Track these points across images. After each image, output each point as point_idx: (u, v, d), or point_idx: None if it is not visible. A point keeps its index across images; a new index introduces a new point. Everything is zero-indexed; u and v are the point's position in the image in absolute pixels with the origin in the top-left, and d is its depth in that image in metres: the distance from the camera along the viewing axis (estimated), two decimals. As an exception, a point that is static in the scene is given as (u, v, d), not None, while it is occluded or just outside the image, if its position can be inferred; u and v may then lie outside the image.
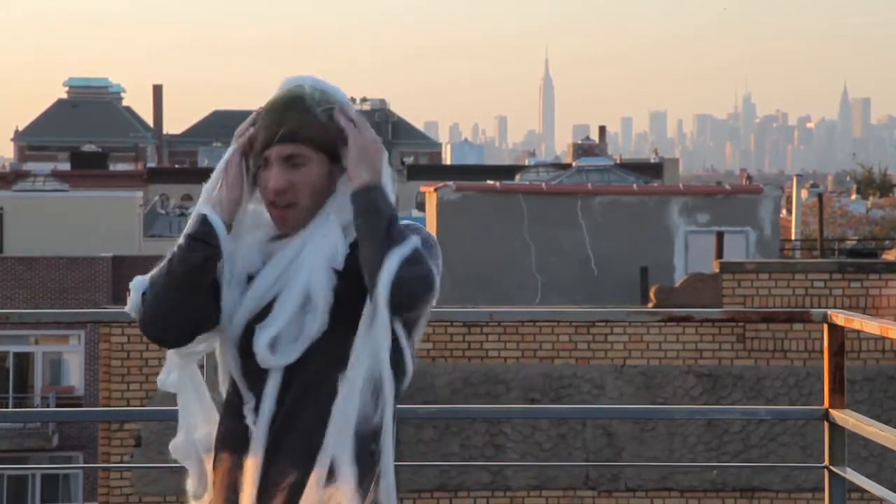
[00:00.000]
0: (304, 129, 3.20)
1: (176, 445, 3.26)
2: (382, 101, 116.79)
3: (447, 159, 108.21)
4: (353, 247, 3.14)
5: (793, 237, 35.57)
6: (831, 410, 5.47)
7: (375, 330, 3.03)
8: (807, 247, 34.40)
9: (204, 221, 3.17)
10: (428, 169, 75.46)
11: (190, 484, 3.26)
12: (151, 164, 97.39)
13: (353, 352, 3.05)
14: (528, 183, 31.54)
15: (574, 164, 39.59)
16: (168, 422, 15.76)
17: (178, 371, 3.25)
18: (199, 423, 3.25)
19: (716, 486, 15.51)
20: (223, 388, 3.22)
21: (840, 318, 5.43)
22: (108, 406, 15.28)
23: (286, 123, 3.20)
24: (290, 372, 3.10)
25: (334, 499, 2.99)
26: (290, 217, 3.20)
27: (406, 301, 3.01)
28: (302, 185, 3.19)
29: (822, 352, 5.53)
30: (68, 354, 36.54)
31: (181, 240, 3.17)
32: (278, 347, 3.09)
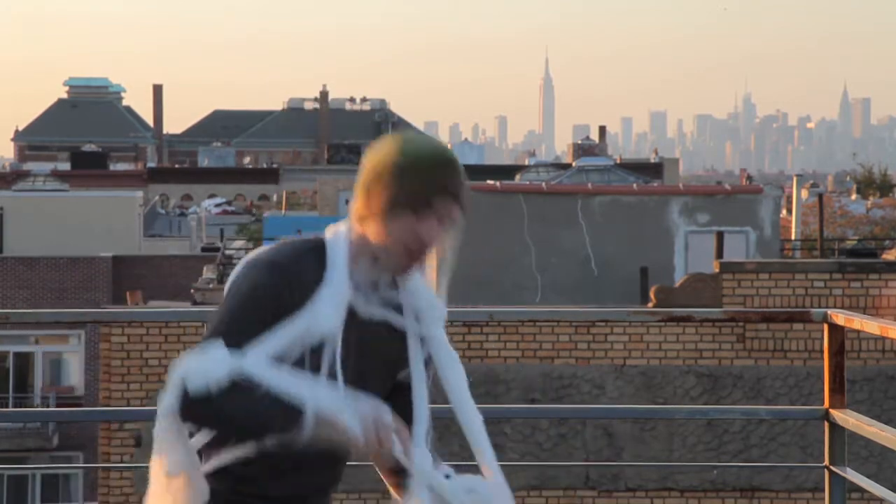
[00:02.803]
0: (467, 202, 3.17)
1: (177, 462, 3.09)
2: (382, 101, 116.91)
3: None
4: None
5: (793, 237, 35.56)
6: (831, 410, 5.47)
7: None
8: (807, 247, 34.38)
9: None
10: (428, 169, 75.28)
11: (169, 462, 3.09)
12: (151, 164, 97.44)
13: None
14: (528, 183, 31.54)
15: (574, 164, 39.63)
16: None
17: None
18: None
19: (716, 486, 15.51)
20: None
21: (840, 318, 5.43)
22: (108, 406, 15.28)
23: (465, 189, 3.15)
24: None
25: None
26: (415, 268, 3.14)
27: None
28: (440, 248, 3.15)
29: (822, 352, 5.53)
30: (68, 354, 36.55)
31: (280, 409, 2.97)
32: None
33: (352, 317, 3.09)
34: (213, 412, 2.96)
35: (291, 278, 3.03)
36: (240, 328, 2.99)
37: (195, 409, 2.96)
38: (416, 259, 3.10)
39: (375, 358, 3.15)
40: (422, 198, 3.07)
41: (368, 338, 3.13)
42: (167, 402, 3.00)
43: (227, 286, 3.10)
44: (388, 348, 3.17)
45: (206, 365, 2.95)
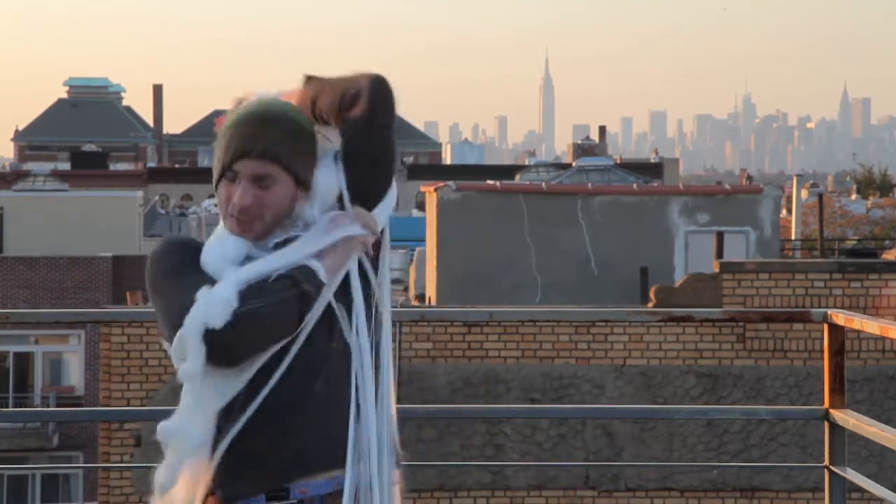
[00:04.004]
0: (279, 148, 3.16)
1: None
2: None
3: (447, 159, 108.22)
4: None
5: (793, 237, 35.60)
6: (831, 410, 5.47)
7: None
8: (807, 247, 34.42)
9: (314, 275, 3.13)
10: (428, 169, 75.47)
11: (163, 476, 3.14)
12: (151, 164, 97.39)
13: None
14: (528, 183, 31.54)
15: (574, 164, 39.62)
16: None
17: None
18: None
19: (716, 486, 15.51)
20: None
21: (840, 318, 5.43)
22: (108, 406, 15.28)
23: (262, 140, 3.16)
24: None
25: None
26: (254, 228, 3.19)
27: None
28: (269, 205, 3.17)
29: (822, 352, 5.52)
30: (68, 354, 36.54)
31: (283, 288, 3.08)
32: None
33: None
34: (252, 323, 3.02)
35: (190, 244, 3.22)
36: (188, 280, 3.12)
37: (234, 333, 3.01)
38: (246, 223, 3.17)
39: None
40: (225, 165, 3.18)
41: None
42: (190, 368, 3.03)
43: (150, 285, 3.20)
44: None
45: (209, 300, 3.04)
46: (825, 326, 5.48)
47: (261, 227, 3.18)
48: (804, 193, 45.45)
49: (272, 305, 3.03)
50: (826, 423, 5.49)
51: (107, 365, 15.53)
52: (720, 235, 19.50)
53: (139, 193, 50.10)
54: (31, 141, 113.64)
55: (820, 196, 35.03)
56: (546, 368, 15.53)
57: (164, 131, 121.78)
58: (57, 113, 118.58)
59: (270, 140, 3.15)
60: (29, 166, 78.30)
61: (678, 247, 20.24)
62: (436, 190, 20.43)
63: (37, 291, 36.47)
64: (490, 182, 25.68)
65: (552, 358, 15.55)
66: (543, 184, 24.43)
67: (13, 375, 36.12)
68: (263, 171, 3.15)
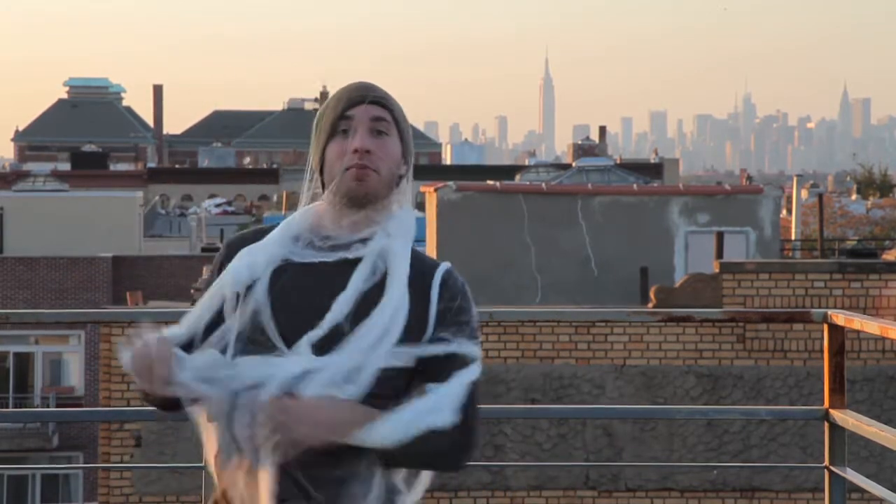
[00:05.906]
0: (391, 101, 3.12)
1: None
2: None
3: (447, 159, 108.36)
4: None
5: (793, 237, 35.59)
6: (831, 410, 5.47)
7: None
8: (807, 247, 34.40)
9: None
10: (428, 169, 75.55)
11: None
12: (151, 164, 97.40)
13: None
14: (528, 183, 31.55)
15: (574, 164, 39.68)
16: (168, 422, 15.65)
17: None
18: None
19: (716, 486, 15.51)
20: None
21: (840, 318, 5.43)
22: (108, 406, 15.28)
23: (375, 90, 3.11)
24: None
25: None
26: (371, 181, 3.06)
27: None
28: (384, 156, 3.07)
29: (822, 352, 5.52)
30: (68, 354, 36.54)
31: None
32: None
33: (284, 267, 3.08)
34: None
35: (236, 250, 3.16)
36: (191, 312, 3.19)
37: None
38: (362, 172, 3.04)
39: (306, 299, 3.07)
40: (339, 118, 3.08)
41: (301, 281, 3.07)
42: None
43: None
44: (326, 287, 3.07)
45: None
46: (825, 327, 5.48)
47: (377, 183, 3.06)
48: (804, 193, 45.48)
49: None
50: (826, 424, 5.49)
51: (107, 365, 15.53)
52: (720, 235, 19.49)
53: (139, 194, 50.14)
54: (31, 141, 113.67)
55: (820, 196, 35.01)
56: (546, 368, 15.53)
57: (164, 131, 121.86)
58: (57, 113, 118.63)
59: (382, 92, 3.11)
60: (29, 166, 78.39)
61: (678, 247, 20.24)
62: (436, 190, 20.43)
63: (37, 292, 36.48)
64: (490, 182, 25.67)
65: (552, 358, 15.55)
66: (543, 184, 24.43)
67: (13, 375, 36.13)
68: (381, 114, 3.08)
